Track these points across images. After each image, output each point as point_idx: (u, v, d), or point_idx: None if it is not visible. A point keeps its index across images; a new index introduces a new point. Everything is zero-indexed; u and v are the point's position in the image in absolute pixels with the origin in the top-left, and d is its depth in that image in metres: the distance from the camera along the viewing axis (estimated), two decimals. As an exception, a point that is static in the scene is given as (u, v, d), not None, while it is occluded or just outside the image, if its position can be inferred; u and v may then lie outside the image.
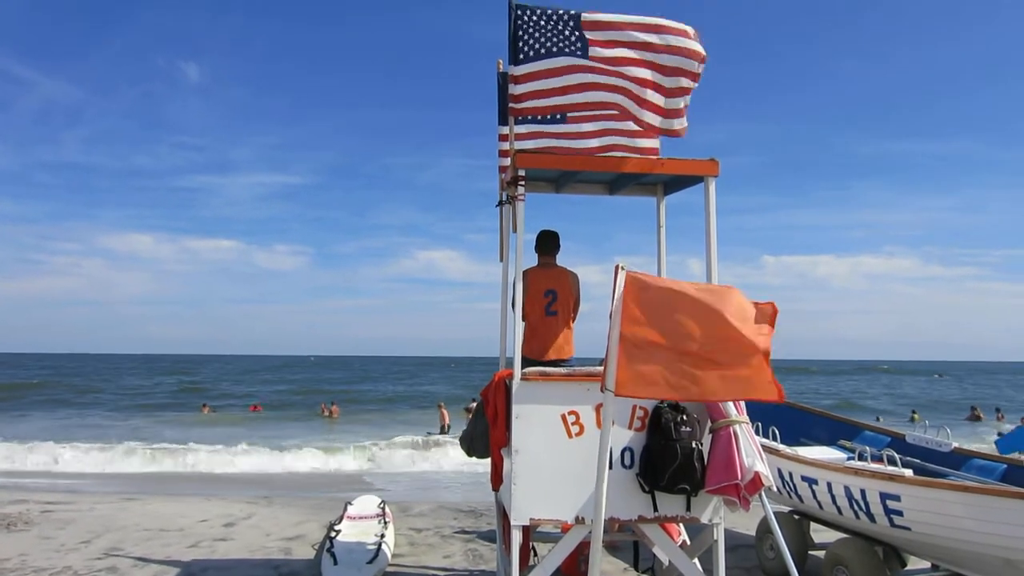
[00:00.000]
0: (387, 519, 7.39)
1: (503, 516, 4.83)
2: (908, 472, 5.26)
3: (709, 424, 4.37)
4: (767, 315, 3.59)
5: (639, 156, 5.18)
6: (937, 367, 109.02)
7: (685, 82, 4.72)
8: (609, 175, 5.21)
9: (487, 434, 4.90)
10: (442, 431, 23.15)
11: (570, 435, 4.36)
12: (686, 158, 4.72)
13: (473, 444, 5.31)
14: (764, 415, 6.46)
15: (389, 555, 6.32)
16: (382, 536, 6.60)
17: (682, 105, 4.76)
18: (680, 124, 4.79)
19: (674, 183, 5.25)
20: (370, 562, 5.84)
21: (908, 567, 5.77)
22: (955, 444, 6.25)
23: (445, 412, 24.74)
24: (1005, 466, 5.68)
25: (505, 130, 5.43)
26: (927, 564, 5.71)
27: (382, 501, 8.15)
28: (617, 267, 3.46)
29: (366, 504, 8.10)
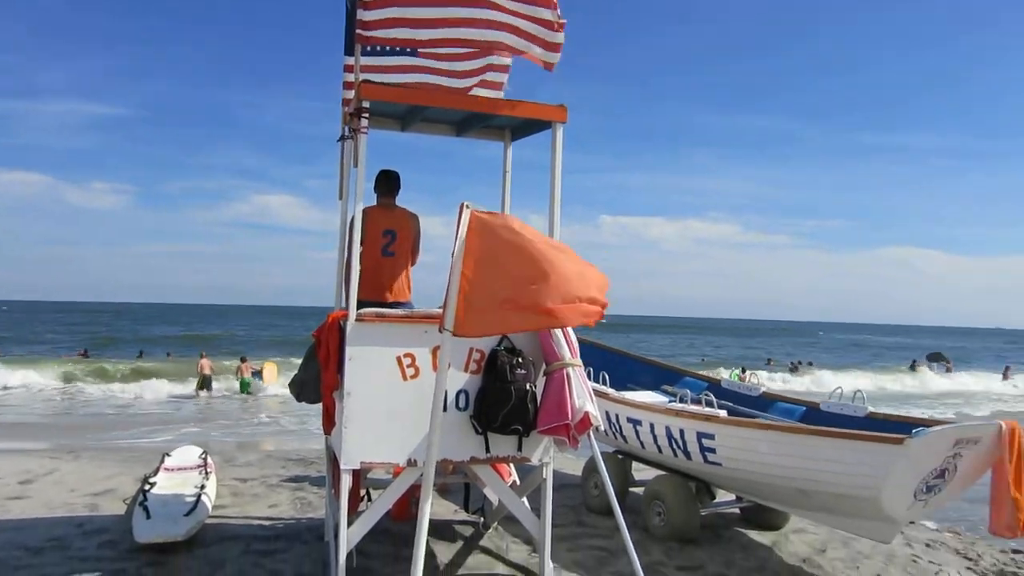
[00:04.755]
0: (209, 469, 7.02)
1: (333, 461, 4.69)
2: (722, 413, 5.65)
3: (544, 367, 4.44)
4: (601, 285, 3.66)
5: (489, 96, 5.09)
6: (756, 325, 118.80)
7: (547, 13, 4.66)
8: (457, 115, 5.08)
9: (319, 377, 4.72)
10: (202, 386, 20.76)
11: (405, 378, 4.28)
12: (536, 102, 4.68)
13: (303, 389, 5.11)
14: (595, 362, 6.69)
15: (209, 506, 6.01)
16: (202, 487, 6.25)
17: (549, 39, 4.71)
18: (550, 57, 4.75)
19: (522, 128, 5.21)
20: (187, 514, 5.51)
21: (716, 500, 6.22)
22: (763, 389, 6.79)
23: (206, 363, 21.51)
24: (804, 408, 6.24)
25: (351, 60, 5.15)
26: (732, 496, 6.21)
27: (204, 451, 7.73)
28: (462, 206, 3.38)
29: (186, 455, 7.65)
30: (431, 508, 3.62)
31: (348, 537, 4.23)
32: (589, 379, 4.55)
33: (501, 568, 5.03)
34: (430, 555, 5.01)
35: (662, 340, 59.28)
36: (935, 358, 37.13)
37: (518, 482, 5.59)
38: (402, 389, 4.28)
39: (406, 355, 4.29)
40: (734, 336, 73.32)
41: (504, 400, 4.25)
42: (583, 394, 4.29)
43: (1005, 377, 30.55)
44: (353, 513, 4.52)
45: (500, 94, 5.27)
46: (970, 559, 5.82)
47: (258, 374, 21.70)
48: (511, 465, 5.62)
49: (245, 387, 20.83)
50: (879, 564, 5.45)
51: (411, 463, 4.31)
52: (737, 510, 6.32)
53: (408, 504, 5.66)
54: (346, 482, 4.23)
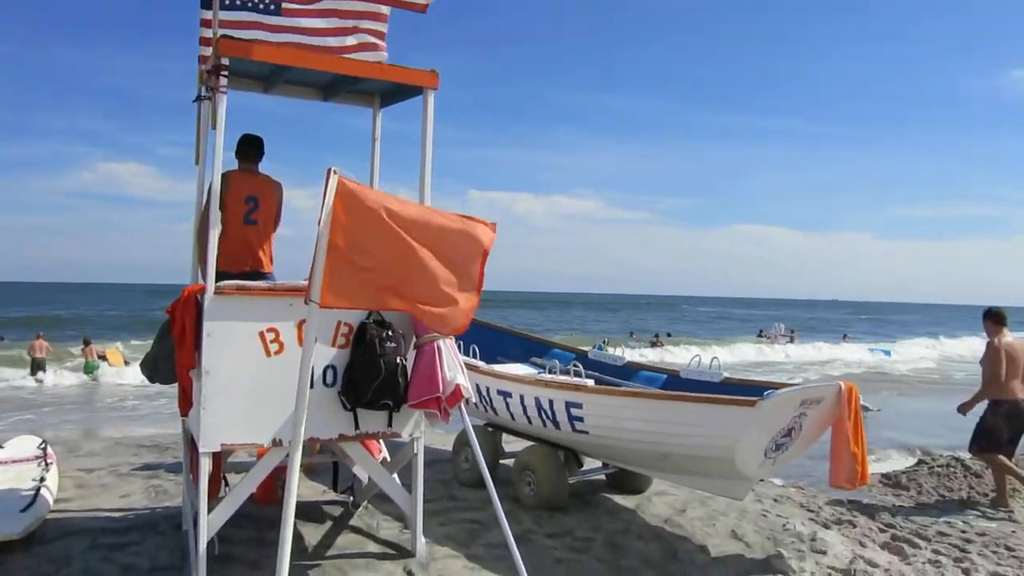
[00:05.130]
0: (49, 460, 6.46)
1: (191, 445, 4.43)
2: (590, 383, 5.79)
3: (414, 339, 4.37)
4: (483, 242, 3.61)
5: (358, 58, 4.91)
6: (623, 299, 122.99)
7: None
8: (324, 77, 4.85)
9: (173, 356, 4.43)
10: (35, 370, 19.12)
11: (268, 354, 4.09)
12: (406, 67, 4.55)
13: (156, 368, 4.80)
14: (464, 335, 6.67)
15: (51, 500, 5.54)
16: (41, 480, 5.75)
17: None
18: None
19: (393, 94, 5.07)
20: (24, 510, 5.05)
21: (583, 468, 6.40)
22: (628, 359, 7.02)
23: (39, 344, 19.84)
24: (666, 376, 6.50)
25: (209, 15, 4.83)
26: (599, 464, 6.40)
27: (43, 441, 7.12)
28: (330, 171, 3.23)
29: (21, 446, 7.00)
30: (298, 489, 3.50)
31: (209, 524, 4.02)
32: (459, 352, 4.53)
33: (372, 546, 4.94)
34: (297, 538, 4.86)
35: (530, 315, 60.31)
36: (780, 329, 39.95)
37: (388, 458, 5.51)
38: (265, 366, 4.09)
39: (269, 330, 4.10)
40: (601, 310, 75.78)
41: (374, 374, 4.15)
42: (454, 366, 4.27)
43: (844, 342, 33.36)
44: (214, 499, 4.31)
45: (374, 57, 5.10)
46: (812, 511, 6.29)
47: (104, 358, 20.33)
48: (381, 442, 5.54)
49: (91, 370, 19.39)
50: (733, 520, 5.78)
51: (276, 443, 4.14)
52: (603, 477, 6.52)
53: (273, 486, 5.45)
54: (205, 466, 4.02)
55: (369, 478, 5.18)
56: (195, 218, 4.92)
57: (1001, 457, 6.80)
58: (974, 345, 35.42)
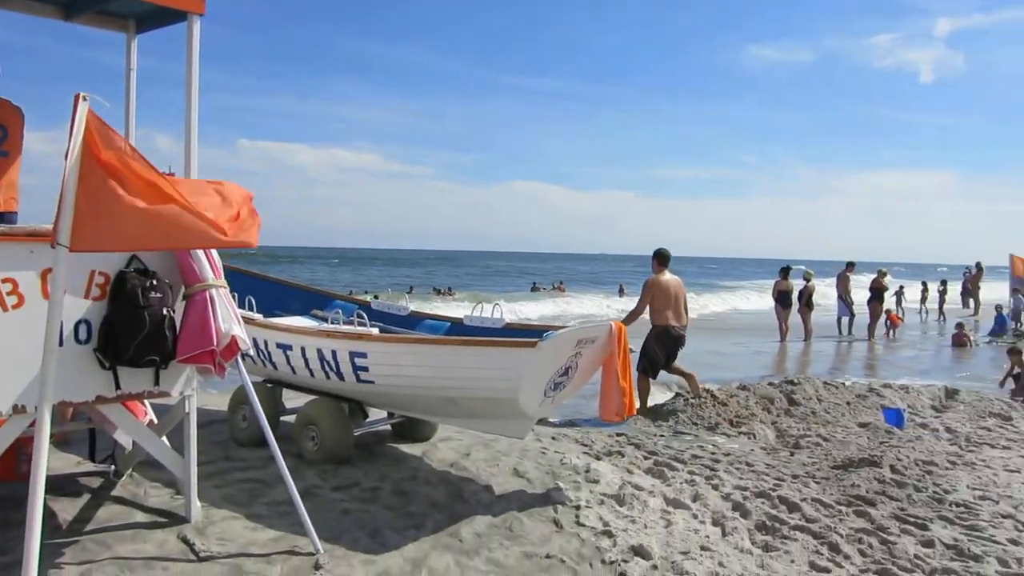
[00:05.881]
0: None
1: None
2: (374, 331, 5.70)
3: (183, 289, 4.03)
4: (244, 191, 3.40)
5: None
6: (406, 255, 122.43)
7: None
8: None
9: None
10: None
11: (5, 308, 3.57)
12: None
13: None
14: (239, 287, 6.30)
15: None
16: None
17: None
18: None
19: (150, 18, 4.54)
20: None
21: (369, 419, 6.34)
22: (411, 308, 7.00)
23: None
24: (449, 323, 6.58)
25: None
26: (384, 414, 6.37)
27: None
28: (78, 97, 2.84)
29: None
30: (48, 462, 3.13)
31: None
32: (235, 304, 4.25)
33: (140, 516, 4.56)
34: (49, 515, 4.35)
35: (311, 271, 58.49)
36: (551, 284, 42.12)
37: (155, 420, 5.09)
38: (1, 322, 3.57)
39: (6, 280, 3.57)
40: (385, 266, 75.02)
41: (136, 328, 3.78)
42: (229, 317, 4.01)
43: (621, 294, 35.75)
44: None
45: None
46: (586, 445, 6.73)
47: None
48: (146, 403, 5.09)
49: None
50: (515, 459, 6.03)
51: (18, 410, 3.65)
52: (388, 427, 6.51)
53: (16, 461, 4.82)
54: (-74, 440, 3.46)
55: (133, 443, 4.75)
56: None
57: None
58: (721, 293, 39.69)
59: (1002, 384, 10.97)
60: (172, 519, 4.51)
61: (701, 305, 29.83)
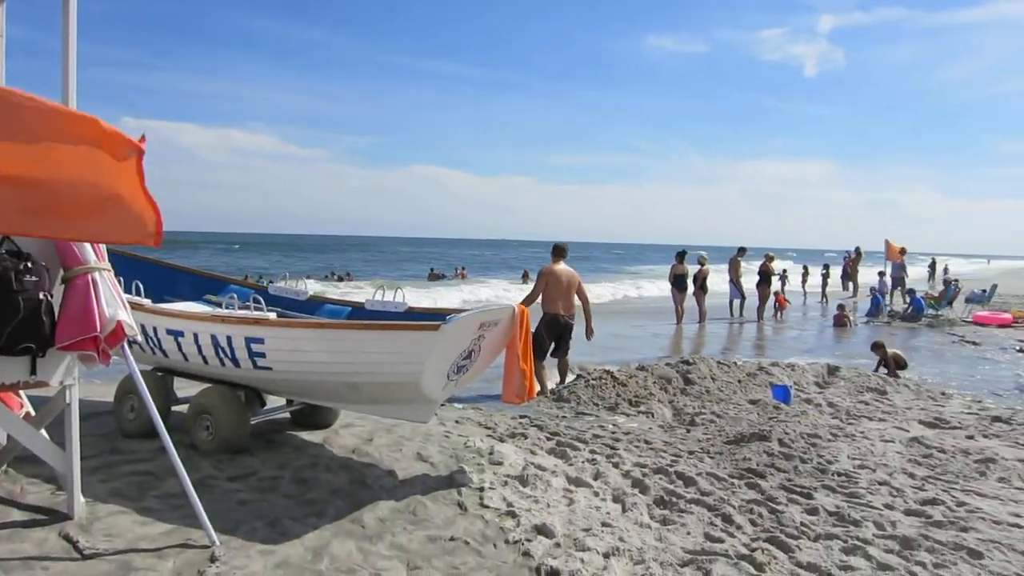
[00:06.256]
0: None
1: None
2: (272, 316, 5.53)
3: (61, 273, 3.79)
4: (131, 150, 3.21)
5: None
6: (304, 240, 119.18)
7: None
8: None
9: None
10: None
11: None
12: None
13: None
14: (124, 271, 5.98)
15: None
16: None
17: None
18: None
19: None
20: None
21: (267, 406, 6.15)
22: (311, 292, 6.83)
23: None
24: (350, 308, 6.46)
25: None
26: (283, 401, 6.21)
27: None
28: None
29: None
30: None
31: None
32: (120, 288, 4.03)
33: (17, 514, 4.27)
34: (-89, 516, 4.04)
35: (205, 257, 56.20)
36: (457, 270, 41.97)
37: (32, 412, 4.78)
38: None
39: None
40: (284, 252, 72.82)
41: (9, 314, 3.53)
42: (114, 301, 3.81)
43: (525, 280, 35.93)
44: None
45: None
46: (489, 428, 6.76)
47: None
48: (22, 394, 4.77)
49: None
50: (419, 443, 6.00)
51: None
52: (288, 414, 6.34)
53: None
54: None
55: (8, 437, 4.45)
56: None
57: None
58: (621, 279, 40.57)
59: (875, 371, 11.70)
60: (53, 516, 4.25)
61: (605, 291, 30.41)
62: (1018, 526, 4.77)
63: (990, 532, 4.64)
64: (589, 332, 9.08)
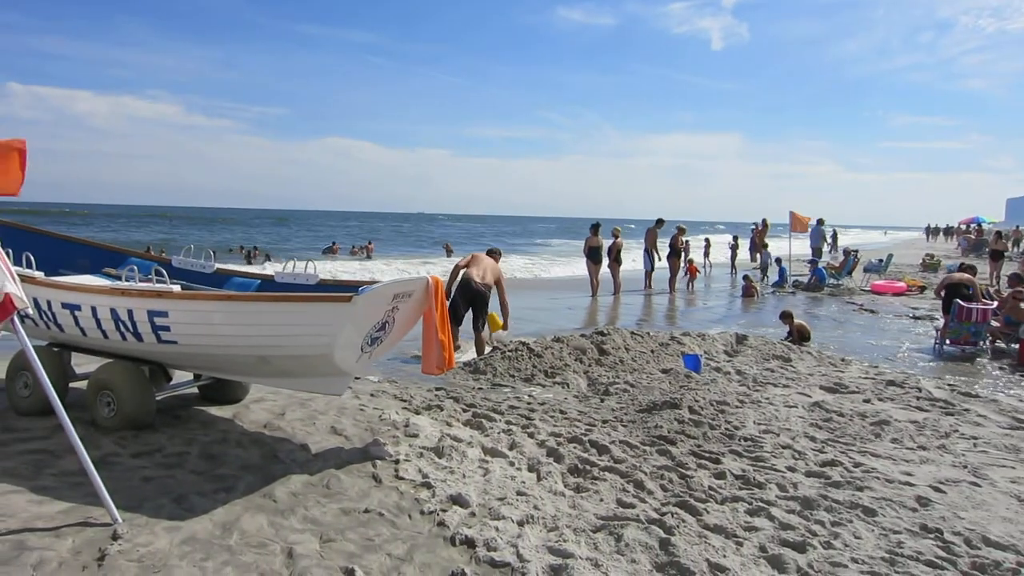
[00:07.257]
0: None
1: None
2: (176, 288, 5.31)
3: (-60, 241, 3.54)
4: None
5: None
6: (212, 213, 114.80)
7: None
8: None
9: None
10: None
11: None
12: None
13: None
14: (14, 243, 5.64)
15: None
16: None
17: None
18: None
19: None
20: None
21: (173, 381, 5.95)
22: (217, 266, 6.61)
23: None
24: (259, 280, 6.28)
25: None
26: (190, 376, 6.01)
27: None
28: None
29: None
30: None
31: None
32: (8, 260, 3.80)
33: None
34: None
35: (101, 231, 53.55)
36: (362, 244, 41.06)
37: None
38: None
39: None
40: (191, 226, 69.98)
41: None
42: (1, 275, 3.58)
43: (449, 254, 35.58)
44: None
45: None
46: (405, 400, 6.73)
47: None
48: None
49: None
50: (333, 417, 5.93)
51: None
52: (195, 389, 6.15)
53: None
54: None
55: None
56: None
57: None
58: (537, 252, 40.76)
59: (786, 339, 12.18)
60: (-63, 500, 4.02)
61: (518, 263, 30.56)
62: (909, 484, 5.08)
63: (883, 490, 4.93)
64: (505, 327, 9.83)
